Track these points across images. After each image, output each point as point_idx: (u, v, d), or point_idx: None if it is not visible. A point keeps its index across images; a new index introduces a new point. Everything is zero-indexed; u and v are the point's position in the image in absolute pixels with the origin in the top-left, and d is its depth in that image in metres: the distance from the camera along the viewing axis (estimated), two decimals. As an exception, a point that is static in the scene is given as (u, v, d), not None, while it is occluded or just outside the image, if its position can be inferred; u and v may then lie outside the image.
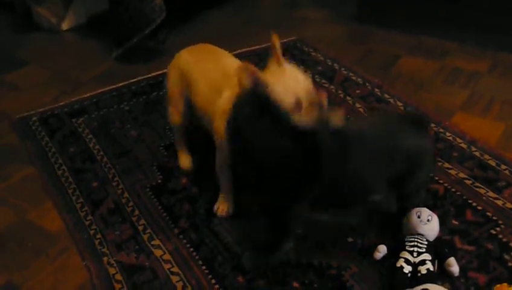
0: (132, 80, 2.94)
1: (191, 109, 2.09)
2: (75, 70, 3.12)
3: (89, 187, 2.22)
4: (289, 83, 1.60)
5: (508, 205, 2.02)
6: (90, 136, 2.52)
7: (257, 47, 3.11)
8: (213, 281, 1.79)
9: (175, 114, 2.17)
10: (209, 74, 1.97)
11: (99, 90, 2.86)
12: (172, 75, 2.14)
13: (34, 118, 2.67)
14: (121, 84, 2.90)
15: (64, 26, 3.56)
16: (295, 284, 1.76)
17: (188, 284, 1.78)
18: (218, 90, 1.85)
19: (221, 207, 2.02)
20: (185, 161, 2.27)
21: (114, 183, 2.23)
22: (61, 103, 2.78)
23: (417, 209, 1.86)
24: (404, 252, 1.75)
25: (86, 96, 2.83)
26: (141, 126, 2.58)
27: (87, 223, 2.04)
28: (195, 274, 1.81)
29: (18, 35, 3.57)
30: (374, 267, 1.80)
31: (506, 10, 3.03)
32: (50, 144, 2.49)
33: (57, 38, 3.52)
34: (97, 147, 2.45)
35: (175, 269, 1.83)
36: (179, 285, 1.78)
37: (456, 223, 1.95)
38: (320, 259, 1.84)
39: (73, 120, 2.64)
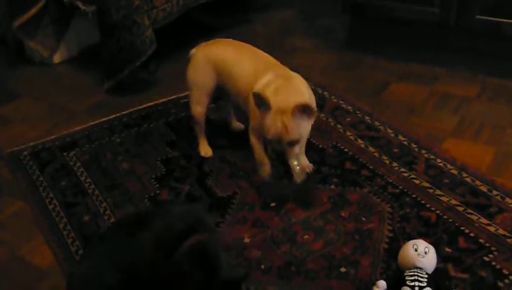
0: (123, 112, 2.94)
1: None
2: (67, 102, 3.12)
3: (81, 221, 2.21)
4: None
5: (501, 231, 2.01)
6: (81, 169, 2.52)
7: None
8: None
9: (200, 108, 2.45)
10: (247, 62, 2.27)
11: (91, 123, 2.87)
12: (202, 70, 2.38)
13: (25, 153, 2.67)
14: (112, 116, 2.91)
15: (56, 59, 3.58)
16: (288, 317, 1.74)
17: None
18: (256, 76, 2.17)
19: (263, 168, 2.26)
20: (206, 148, 2.54)
21: (105, 217, 2.22)
22: (53, 136, 2.78)
23: (413, 241, 1.85)
24: (404, 287, 1.72)
25: (77, 129, 2.83)
26: (133, 158, 2.57)
27: (78, 257, 2.02)
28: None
29: (10, 68, 3.57)
30: (368, 298, 1.79)
31: (495, 35, 3.06)
32: (41, 178, 2.48)
33: (49, 71, 3.53)
34: (88, 180, 2.44)
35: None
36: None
37: (449, 250, 1.94)
38: (313, 290, 1.83)
39: (65, 153, 2.64)
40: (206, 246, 1.56)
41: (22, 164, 2.59)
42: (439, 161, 2.40)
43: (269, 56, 2.33)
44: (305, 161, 2.30)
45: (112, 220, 2.19)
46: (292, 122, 1.97)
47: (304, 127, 2.03)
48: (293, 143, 2.02)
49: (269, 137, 2.03)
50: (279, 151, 2.10)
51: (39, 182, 2.45)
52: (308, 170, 2.23)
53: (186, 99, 3.01)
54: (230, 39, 2.48)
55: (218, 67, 2.34)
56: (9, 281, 1.98)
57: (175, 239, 1.55)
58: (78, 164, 2.56)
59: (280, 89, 2.06)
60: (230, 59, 2.31)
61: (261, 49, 2.37)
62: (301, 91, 2.09)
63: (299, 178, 2.10)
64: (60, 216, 2.24)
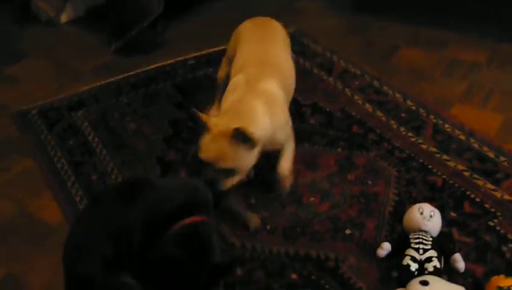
0: (131, 73, 2.93)
1: None
2: (74, 63, 3.12)
3: (88, 180, 2.22)
4: None
5: (507, 196, 2.02)
6: (89, 129, 2.53)
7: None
8: (212, 273, 1.79)
9: (221, 72, 2.39)
10: (249, 50, 2.15)
11: (98, 83, 2.86)
12: (231, 39, 2.32)
13: (34, 112, 2.67)
14: (119, 77, 2.90)
15: (63, 18, 3.56)
16: (293, 276, 1.77)
17: (186, 276, 1.79)
18: (240, 69, 2.05)
19: None
20: (216, 112, 2.40)
21: (113, 176, 2.23)
22: (61, 96, 2.78)
23: (419, 205, 1.86)
24: (409, 249, 1.74)
25: (84, 89, 2.83)
26: (140, 119, 2.58)
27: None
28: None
29: (17, 28, 3.56)
30: (372, 260, 1.80)
31: (507, 1, 3.01)
32: (49, 137, 2.49)
33: (56, 31, 3.52)
34: (96, 139, 2.45)
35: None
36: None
37: (454, 215, 1.96)
38: (318, 251, 1.85)
39: (72, 113, 2.65)
40: (198, 230, 1.56)
41: (30, 123, 2.60)
42: (447, 126, 2.39)
43: (275, 50, 2.17)
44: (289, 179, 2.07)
45: (120, 179, 2.21)
46: (228, 149, 1.76)
47: (241, 156, 1.78)
48: (227, 172, 1.80)
49: (201, 159, 1.81)
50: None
51: (47, 140, 2.47)
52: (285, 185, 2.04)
53: (193, 61, 3.02)
54: (269, 19, 2.35)
55: (236, 43, 2.25)
56: (18, 237, 2.01)
57: (170, 215, 1.56)
58: (86, 123, 2.57)
59: (232, 105, 1.88)
60: (242, 39, 2.22)
61: (269, 12, 2.34)
62: (252, 114, 1.85)
63: (282, 193, 2.04)
64: (68, 175, 2.26)
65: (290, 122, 2.04)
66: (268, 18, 2.36)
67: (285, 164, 2.01)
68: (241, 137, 1.73)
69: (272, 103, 1.92)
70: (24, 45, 3.35)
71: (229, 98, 1.94)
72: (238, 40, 2.23)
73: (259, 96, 1.90)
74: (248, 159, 1.81)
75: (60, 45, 3.35)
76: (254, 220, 1.96)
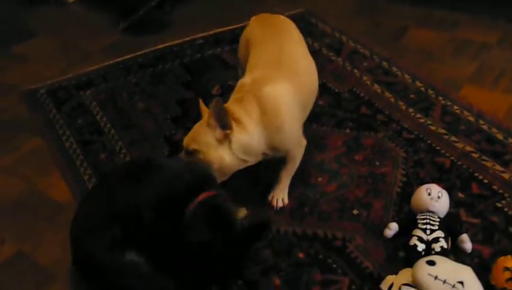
0: (139, 52, 2.93)
1: None
2: (82, 42, 3.12)
3: (97, 159, 2.24)
4: None
5: (515, 178, 2.02)
6: (97, 108, 2.53)
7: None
8: (219, 251, 1.81)
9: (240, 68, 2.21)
10: (261, 50, 1.96)
11: (106, 63, 2.86)
12: (240, 40, 2.17)
13: (42, 91, 2.68)
14: (127, 57, 2.90)
15: (71, -3, 3.55)
16: (300, 255, 1.78)
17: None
18: (252, 70, 1.90)
19: None
20: None
21: (121, 155, 2.24)
22: (69, 75, 2.79)
23: (426, 186, 1.86)
24: (416, 230, 1.75)
25: (93, 68, 2.83)
26: (148, 98, 2.58)
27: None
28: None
29: (25, 7, 3.55)
30: (379, 240, 1.81)
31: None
32: (58, 116, 2.50)
33: (64, 10, 3.51)
34: (104, 119, 2.46)
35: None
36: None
37: (462, 196, 1.95)
38: (325, 230, 1.86)
39: (81, 92, 2.65)
40: (216, 204, 1.56)
41: (38, 102, 2.61)
42: (455, 107, 2.38)
43: (291, 48, 1.98)
44: (280, 191, 2.00)
45: (128, 158, 2.22)
46: (198, 131, 1.75)
47: (202, 138, 1.72)
48: (188, 151, 1.75)
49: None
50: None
51: (56, 120, 2.48)
52: (277, 204, 1.97)
53: (201, 41, 3.01)
54: (275, 15, 2.18)
55: (246, 48, 2.07)
56: (28, 214, 2.03)
57: (182, 193, 1.56)
58: (94, 103, 2.57)
59: (229, 106, 1.79)
60: (253, 42, 2.03)
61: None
62: (242, 119, 1.75)
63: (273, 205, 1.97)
64: (77, 153, 2.27)
65: (299, 131, 1.89)
66: (275, 14, 2.18)
67: (283, 180, 1.96)
68: (214, 119, 1.68)
69: (272, 110, 1.76)
70: (32, 24, 3.34)
71: (231, 97, 1.85)
72: (249, 43, 2.04)
73: (258, 101, 1.76)
74: (218, 151, 1.72)
75: (68, 24, 3.34)
76: (240, 212, 1.93)
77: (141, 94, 2.61)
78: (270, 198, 1.97)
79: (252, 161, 1.81)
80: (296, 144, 1.89)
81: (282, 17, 2.17)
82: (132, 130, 2.38)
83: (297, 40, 2.05)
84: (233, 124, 1.72)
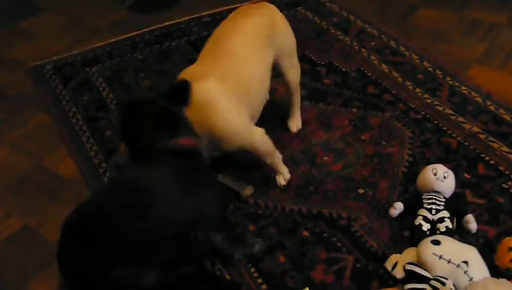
0: (145, 29, 2.92)
1: None
2: (88, 18, 3.10)
3: (103, 135, 2.24)
4: None
5: (521, 159, 2.01)
6: (103, 85, 2.53)
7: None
8: (224, 228, 1.82)
9: None
10: (208, 45, 1.85)
11: (113, 39, 2.85)
12: None
13: (48, 66, 2.68)
14: (134, 33, 2.89)
15: (78, -27, 3.52)
16: (305, 233, 1.78)
17: (200, 231, 1.81)
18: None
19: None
20: None
21: (127, 132, 2.24)
22: (75, 52, 2.78)
23: (432, 166, 1.85)
24: (422, 209, 1.75)
25: (99, 45, 2.82)
26: (155, 75, 2.57)
27: (101, 170, 2.07)
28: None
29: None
30: (384, 218, 1.81)
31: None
32: (64, 92, 2.50)
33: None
34: (110, 95, 2.46)
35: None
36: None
37: (468, 176, 1.95)
38: (330, 209, 1.86)
39: (87, 69, 2.64)
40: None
41: (45, 78, 2.60)
42: (463, 88, 2.37)
43: (235, 42, 1.81)
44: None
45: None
46: None
47: None
48: None
49: None
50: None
51: (62, 96, 2.48)
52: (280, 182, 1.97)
53: (208, 18, 2.99)
54: (260, 5, 1.99)
55: None
56: (35, 190, 2.04)
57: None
58: (100, 79, 2.57)
59: None
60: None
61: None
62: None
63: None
64: (83, 130, 2.27)
65: (245, 126, 1.76)
66: (259, 3, 2.01)
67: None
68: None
69: (203, 110, 1.64)
70: (39, 0, 3.32)
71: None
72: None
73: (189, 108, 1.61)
74: None
75: (75, 0, 3.32)
76: (246, 190, 1.94)
77: (147, 71, 2.60)
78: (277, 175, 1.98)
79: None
80: (244, 138, 1.76)
81: (260, 7, 1.97)
82: (138, 107, 2.38)
83: (252, 36, 1.84)
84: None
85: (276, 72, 2.27)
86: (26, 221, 1.90)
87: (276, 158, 1.93)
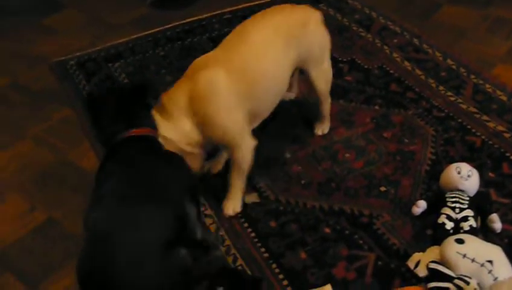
0: (167, 26, 2.93)
1: None
2: (111, 14, 3.12)
3: (125, 130, 2.25)
4: None
5: (547, 158, 1.98)
6: (126, 80, 2.55)
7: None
8: (246, 224, 1.82)
9: None
10: (230, 35, 1.84)
11: (135, 35, 2.87)
12: None
13: (72, 62, 2.70)
14: (156, 30, 2.90)
15: (100, -30, 3.55)
16: (326, 230, 1.78)
17: (221, 226, 1.82)
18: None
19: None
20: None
21: (149, 127, 2.25)
22: (98, 48, 2.80)
23: (456, 164, 1.83)
24: (445, 208, 1.73)
25: (121, 41, 2.84)
26: (176, 71, 2.58)
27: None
28: (228, 218, 1.85)
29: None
30: (406, 217, 1.80)
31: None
32: (87, 87, 2.52)
33: (93, -18, 3.52)
34: (133, 91, 2.47)
35: (208, 212, 1.87)
36: (212, 228, 1.81)
37: (492, 175, 1.93)
38: (352, 207, 1.85)
39: (110, 64, 2.66)
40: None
41: (68, 73, 2.63)
42: (488, 86, 2.34)
43: (254, 36, 1.78)
44: (230, 201, 1.88)
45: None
46: None
47: None
48: None
49: None
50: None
51: (85, 91, 2.50)
52: (229, 213, 1.86)
53: (229, 15, 2.99)
54: (290, 6, 1.94)
55: None
56: (58, 183, 2.06)
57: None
58: (123, 75, 2.58)
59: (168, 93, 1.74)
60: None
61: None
62: (169, 108, 1.69)
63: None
64: (106, 125, 2.29)
65: (239, 125, 1.73)
66: (302, 6, 1.96)
67: (232, 185, 1.84)
68: None
69: (202, 96, 1.66)
70: (62, -4, 3.36)
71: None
72: None
73: (191, 86, 1.68)
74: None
75: (97, -4, 3.35)
76: (250, 197, 1.93)
77: (169, 67, 2.62)
78: (222, 206, 1.87)
79: (200, 151, 1.74)
80: (235, 138, 1.73)
81: (300, 7, 1.93)
82: (160, 102, 2.39)
83: (273, 25, 1.81)
84: (161, 120, 1.65)
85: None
86: (50, 214, 1.93)
87: (242, 181, 1.83)
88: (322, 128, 2.16)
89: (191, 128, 1.69)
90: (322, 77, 2.00)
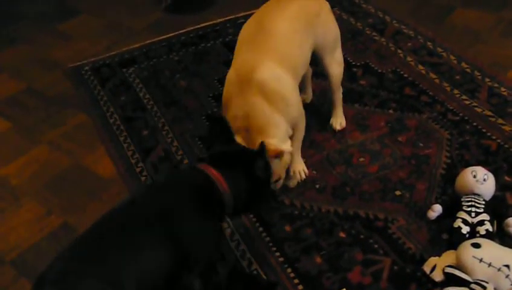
0: (181, 31, 2.94)
1: None
2: (125, 20, 3.15)
3: (140, 135, 2.27)
4: None
5: None
6: (140, 85, 2.56)
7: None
8: (261, 229, 1.82)
9: None
10: (247, 26, 1.89)
11: (149, 41, 2.89)
12: None
13: (86, 68, 2.72)
14: (170, 35, 2.92)
15: (114, -24, 3.58)
16: (341, 235, 1.77)
17: (236, 231, 1.82)
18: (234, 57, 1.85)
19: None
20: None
21: (164, 132, 2.27)
22: (112, 53, 2.82)
23: (472, 168, 1.82)
24: (461, 212, 1.72)
25: (136, 46, 2.86)
26: (190, 76, 2.60)
27: (138, 169, 2.10)
28: (243, 223, 1.85)
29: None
30: (422, 221, 1.79)
31: None
32: (102, 92, 2.54)
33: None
34: (147, 96, 2.49)
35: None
36: (227, 232, 1.82)
37: (509, 179, 1.91)
38: (367, 211, 1.85)
39: (124, 70, 2.68)
40: None
41: (83, 79, 2.65)
42: (503, 89, 2.32)
43: (276, 22, 1.81)
44: (299, 164, 2.01)
45: (170, 135, 2.24)
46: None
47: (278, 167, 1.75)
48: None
49: None
50: None
51: (100, 96, 2.52)
52: (301, 176, 1.99)
53: (243, 20, 2.99)
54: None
55: None
56: (73, 188, 2.07)
57: None
58: (137, 80, 2.60)
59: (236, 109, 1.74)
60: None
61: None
62: (266, 122, 1.71)
63: (291, 183, 1.96)
64: (120, 130, 2.30)
65: (299, 99, 1.84)
66: None
67: (295, 151, 1.92)
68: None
69: (275, 95, 1.71)
70: (76, 2, 3.39)
71: (232, 100, 1.75)
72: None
73: (259, 94, 1.69)
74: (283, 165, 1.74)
75: (112, 2, 3.37)
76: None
77: (183, 72, 2.63)
78: (291, 173, 1.96)
79: None
80: (302, 113, 1.86)
81: None
82: (174, 107, 2.40)
83: (294, 17, 1.85)
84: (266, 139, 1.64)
85: (313, 73, 2.28)
86: (66, 218, 1.94)
87: (300, 142, 1.95)
88: (340, 122, 2.19)
89: (286, 126, 1.74)
90: (335, 63, 2.06)
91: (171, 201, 1.37)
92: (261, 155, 1.49)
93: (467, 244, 1.57)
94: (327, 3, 2.01)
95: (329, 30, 1.99)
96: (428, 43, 2.67)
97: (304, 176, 1.99)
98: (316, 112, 2.28)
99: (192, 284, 1.38)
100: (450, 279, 1.53)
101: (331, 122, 2.20)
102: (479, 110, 2.23)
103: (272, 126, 1.69)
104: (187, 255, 1.34)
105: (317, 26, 1.92)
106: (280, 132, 1.71)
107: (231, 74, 1.78)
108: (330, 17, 2.01)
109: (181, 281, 1.34)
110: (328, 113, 2.22)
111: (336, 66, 2.07)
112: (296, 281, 1.65)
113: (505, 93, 2.30)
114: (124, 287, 1.19)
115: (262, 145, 1.52)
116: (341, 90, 2.16)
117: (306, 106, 2.28)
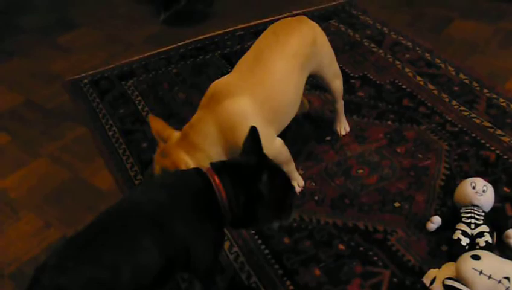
0: (180, 43, 2.96)
1: None
2: (123, 33, 3.16)
3: (139, 148, 2.27)
4: None
5: None
6: (139, 98, 2.57)
7: (313, 8, 3.06)
8: (259, 241, 1.81)
9: None
10: (244, 57, 1.89)
11: (148, 53, 2.90)
12: None
13: (85, 80, 2.73)
14: (169, 47, 2.93)
15: (113, -11, 3.60)
16: (341, 247, 1.77)
17: (235, 243, 1.82)
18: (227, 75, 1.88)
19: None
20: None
21: (163, 144, 2.26)
22: (111, 66, 2.83)
23: (471, 179, 1.82)
24: (460, 224, 1.71)
25: (134, 59, 2.87)
26: (189, 88, 2.60)
27: (137, 182, 2.09)
28: (242, 235, 1.84)
29: (68, -2, 3.63)
30: (421, 232, 1.79)
31: None
32: (101, 105, 2.54)
33: (106, 1, 3.56)
34: (146, 108, 2.49)
35: (222, 229, 1.86)
36: (226, 244, 1.81)
37: (508, 190, 1.91)
38: (366, 223, 1.84)
39: (123, 82, 2.69)
40: None
41: (82, 91, 2.66)
42: (501, 100, 2.33)
43: (271, 60, 1.81)
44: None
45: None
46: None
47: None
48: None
49: None
50: None
51: (99, 109, 2.52)
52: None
53: (241, 32, 3.01)
54: (301, 20, 1.97)
55: None
56: (72, 200, 2.07)
57: None
58: (136, 92, 2.60)
59: (191, 126, 1.77)
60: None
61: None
62: (201, 145, 1.71)
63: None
64: (119, 142, 2.30)
65: (268, 138, 1.75)
66: (297, 17, 1.99)
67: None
68: None
69: (229, 128, 1.69)
70: (75, 15, 3.41)
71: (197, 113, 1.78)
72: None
73: (215, 118, 1.70)
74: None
75: (111, 15, 3.39)
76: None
77: (182, 84, 2.63)
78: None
79: None
80: (269, 151, 1.60)
81: (301, 22, 1.95)
82: (173, 119, 2.40)
83: (290, 51, 1.84)
84: (190, 154, 1.67)
85: (310, 85, 2.29)
86: (65, 231, 1.93)
87: (292, 166, 1.95)
88: (344, 127, 2.23)
89: (221, 154, 1.71)
90: (335, 78, 2.09)
91: (169, 198, 1.39)
92: (268, 169, 1.48)
93: (466, 256, 1.56)
94: (317, 24, 2.01)
95: (325, 53, 2.01)
96: (427, 55, 2.68)
97: (299, 189, 1.98)
98: (315, 124, 2.28)
99: None
100: (450, 291, 1.52)
101: (335, 128, 2.23)
102: (477, 121, 2.23)
103: (201, 148, 1.69)
104: (180, 254, 1.36)
105: (315, 55, 1.94)
106: (202, 157, 1.67)
107: (210, 88, 1.80)
108: (324, 38, 2.00)
109: None
110: (327, 126, 2.22)
111: (336, 80, 2.10)
112: (295, 293, 1.64)
113: (503, 104, 2.31)
114: (120, 273, 1.24)
115: (267, 159, 1.51)
116: (342, 97, 2.19)
117: (304, 118, 2.30)
